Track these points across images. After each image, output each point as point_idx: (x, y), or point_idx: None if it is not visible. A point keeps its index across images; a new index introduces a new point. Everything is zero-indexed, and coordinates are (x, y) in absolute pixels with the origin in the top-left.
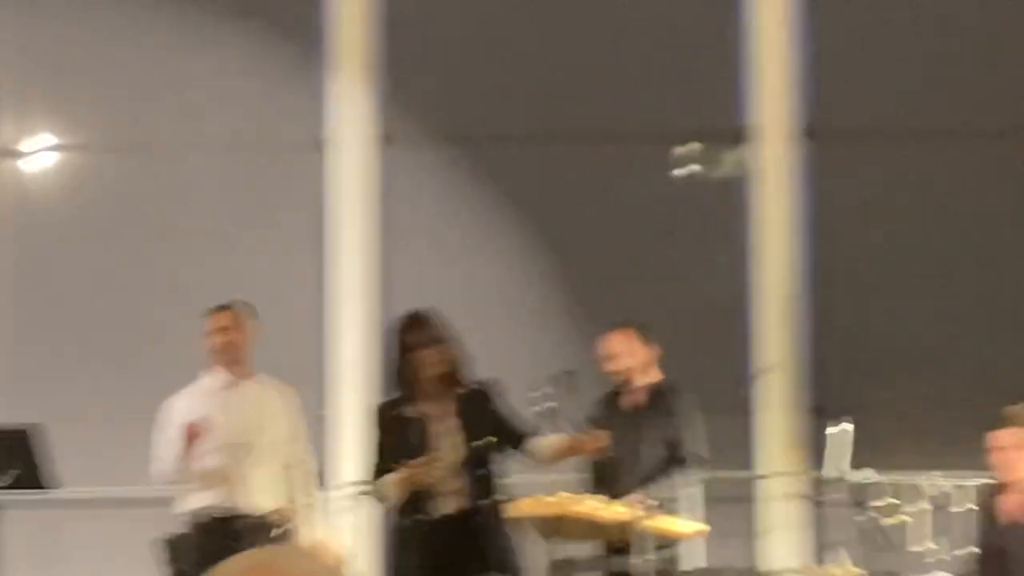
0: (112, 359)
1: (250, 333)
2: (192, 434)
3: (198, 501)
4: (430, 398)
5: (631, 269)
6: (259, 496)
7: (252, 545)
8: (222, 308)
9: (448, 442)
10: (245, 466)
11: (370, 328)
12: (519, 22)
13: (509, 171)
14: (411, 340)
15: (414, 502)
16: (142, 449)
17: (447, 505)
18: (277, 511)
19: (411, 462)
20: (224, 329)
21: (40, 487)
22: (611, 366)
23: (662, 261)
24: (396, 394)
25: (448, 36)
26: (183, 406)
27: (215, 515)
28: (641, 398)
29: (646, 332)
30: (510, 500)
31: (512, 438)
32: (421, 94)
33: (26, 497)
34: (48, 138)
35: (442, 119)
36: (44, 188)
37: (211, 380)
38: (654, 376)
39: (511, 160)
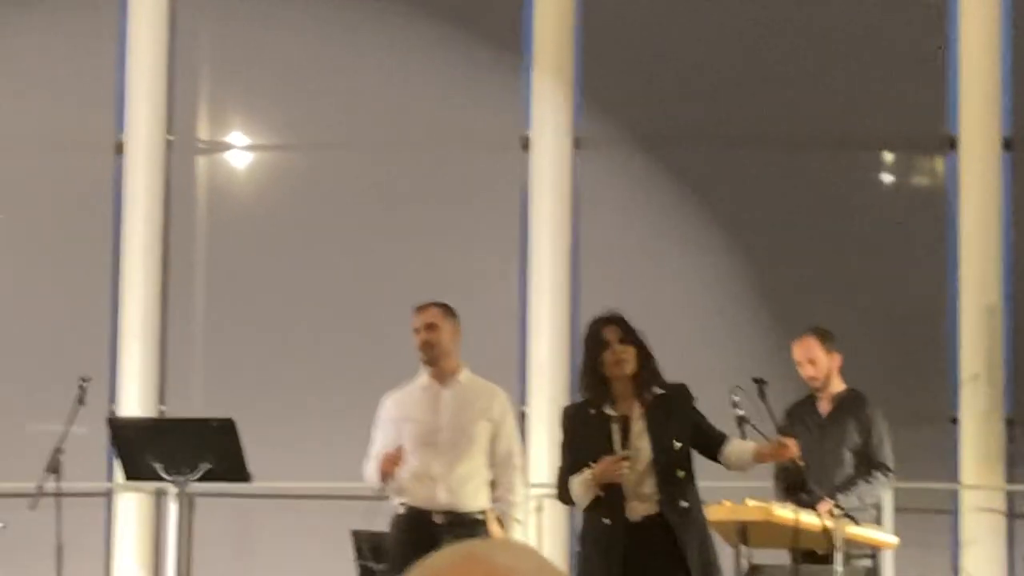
0: (302, 355)
1: (450, 332)
2: (387, 467)
3: (403, 497)
4: (620, 400)
5: (828, 275)
6: (462, 494)
7: (454, 541)
8: (422, 307)
9: (638, 445)
10: (449, 464)
11: (561, 328)
12: (716, 25)
13: (702, 174)
14: (603, 340)
15: (606, 505)
16: (332, 444)
17: (639, 509)
18: (481, 509)
19: (601, 460)
20: (424, 327)
21: (233, 479)
22: (805, 372)
23: (861, 268)
24: (587, 395)
25: (644, 40)
26: (391, 404)
27: (419, 511)
28: (827, 406)
29: (829, 340)
30: (702, 504)
31: (704, 442)
32: (616, 97)
33: (219, 489)
34: (241, 136)
35: (637, 122)
36: (240, 185)
37: (423, 378)
38: (837, 385)
39: (705, 163)
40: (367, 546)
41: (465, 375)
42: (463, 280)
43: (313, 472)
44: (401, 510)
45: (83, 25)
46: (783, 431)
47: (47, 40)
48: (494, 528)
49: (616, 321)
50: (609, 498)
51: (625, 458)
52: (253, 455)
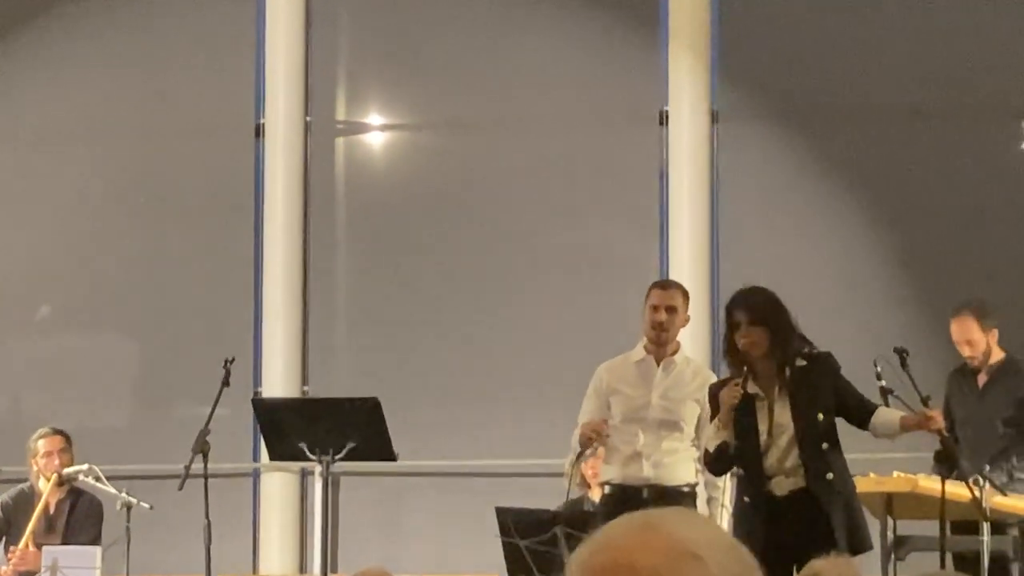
0: (443, 333)
1: (683, 316)
2: (589, 433)
3: (612, 473)
4: (762, 376)
5: (971, 243)
6: (667, 467)
7: None
8: (665, 285)
9: (780, 421)
10: (655, 440)
11: (701, 302)
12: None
13: (841, 145)
14: (734, 322)
15: (747, 483)
16: (475, 423)
17: (784, 484)
18: (687, 483)
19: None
20: (665, 308)
21: (377, 458)
22: (963, 352)
23: (1007, 237)
24: (730, 372)
25: (780, 11)
26: (605, 373)
27: (625, 487)
28: (983, 378)
29: (985, 317)
30: (849, 474)
31: (852, 411)
32: (753, 70)
33: (363, 468)
34: (378, 116)
35: (774, 94)
36: (378, 164)
37: (636, 352)
38: (996, 355)
39: (844, 134)
40: (512, 523)
41: (681, 355)
42: (603, 254)
43: (457, 451)
44: (607, 489)
45: (223, 10)
46: (931, 401)
47: (188, 27)
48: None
49: (744, 302)
50: (751, 475)
51: (740, 384)
52: (396, 434)
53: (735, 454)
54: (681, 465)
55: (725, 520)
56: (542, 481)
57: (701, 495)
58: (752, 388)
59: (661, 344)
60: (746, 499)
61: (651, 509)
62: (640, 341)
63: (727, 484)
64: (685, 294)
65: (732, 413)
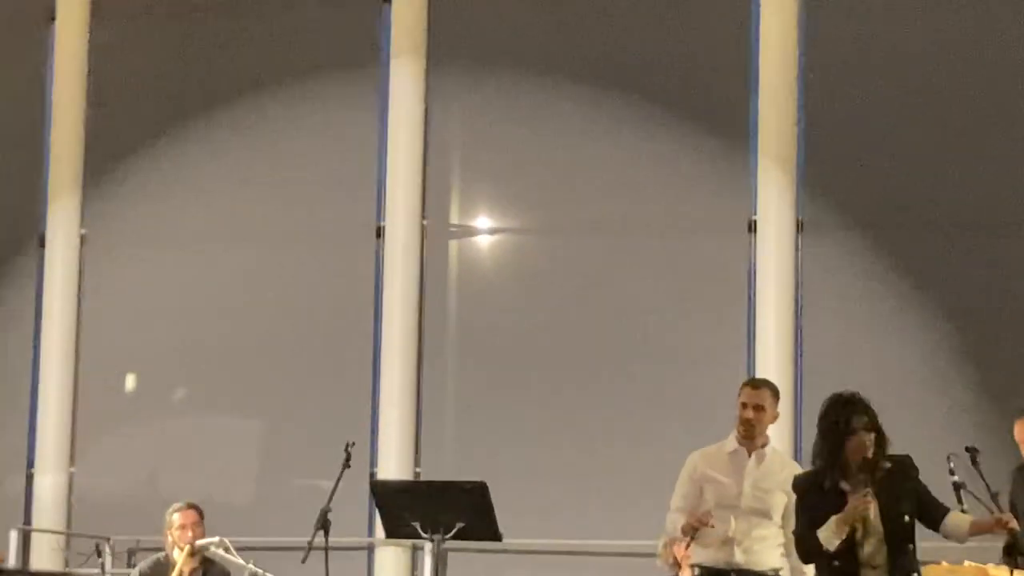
0: (546, 421)
1: (772, 414)
2: (694, 524)
3: (703, 556)
4: (852, 475)
5: None
6: (756, 553)
7: None
8: (756, 385)
9: (872, 517)
10: (747, 527)
11: (786, 405)
12: (936, 112)
13: (922, 256)
14: (851, 428)
15: (842, 572)
16: (577, 503)
17: None
18: (775, 568)
19: (851, 498)
20: (753, 407)
21: (484, 538)
22: (1023, 448)
23: None
24: (822, 469)
25: (866, 126)
26: (700, 461)
27: (715, 571)
28: None
29: None
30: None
31: (927, 513)
32: (838, 182)
33: (471, 545)
34: (488, 220)
35: (858, 205)
36: (488, 265)
37: (729, 443)
38: None
39: (925, 246)
40: None
41: (770, 448)
42: (694, 352)
43: (557, 530)
44: (697, 571)
45: (347, 123)
46: (1000, 498)
47: (314, 139)
48: None
49: (865, 410)
50: (844, 568)
51: (867, 496)
52: (501, 513)
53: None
54: (769, 551)
55: None
56: (635, 561)
57: None
58: (845, 485)
59: (748, 438)
60: None
61: None
62: (733, 433)
63: (810, 572)
64: (775, 393)
65: (854, 521)
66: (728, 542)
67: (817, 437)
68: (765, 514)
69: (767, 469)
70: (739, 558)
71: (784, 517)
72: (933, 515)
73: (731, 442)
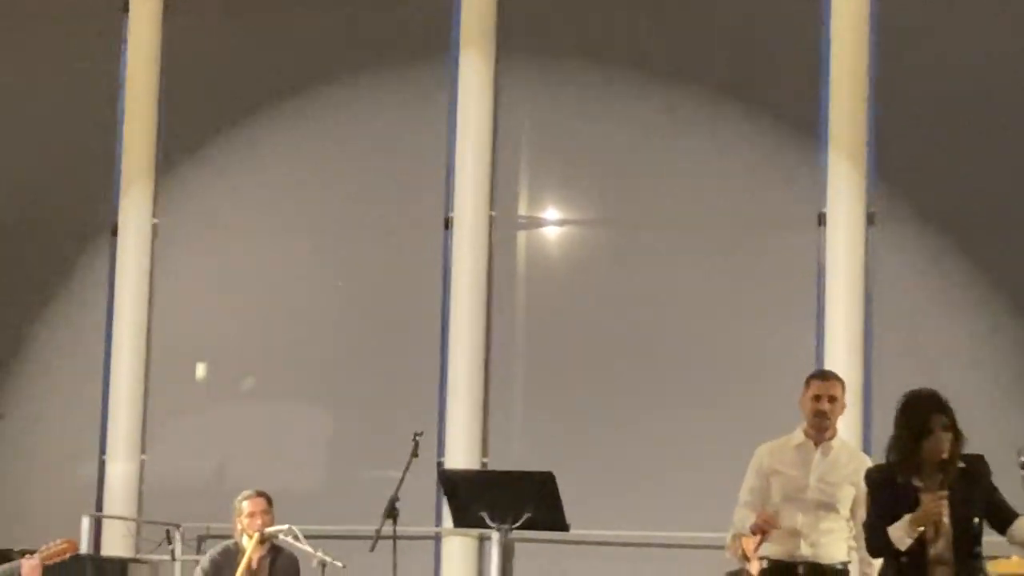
0: (613, 412)
1: (842, 405)
2: (763, 526)
3: (771, 549)
4: (926, 473)
5: None
6: (823, 546)
7: None
8: (826, 376)
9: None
10: (814, 520)
11: (855, 399)
12: (1008, 101)
13: (993, 249)
14: (929, 428)
15: (910, 571)
16: (643, 495)
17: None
18: (842, 562)
19: (925, 498)
20: (827, 397)
21: (551, 528)
22: None
23: None
24: (896, 465)
25: (935, 117)
26: (767, 455)
27: (782, 564)
28: None
29: None
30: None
31: (998, 519)
32: (908, 174)
33: (538, 535)
34: (556, 212)
35: (929, 198)
36: (555, 256)
37: (796, 436)
38: None
39: (996, 239)
40: None
41: (838, 440)
42: (763, 344)
43: (624, 522)
44: (765, 564)
45: (415, 113)
46: None
47: (384, 129)
48: None
49: (944, 410)
50: (912, 564)
51: (942, 496)
52: (568, 504)
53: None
54: (836, 544)
55: None
56: (703, 553)
57: (853, 573)
58: (918, 482)
59: (822, 430)
60: None
61: None
62: (799, 426)
63: (877, 564)
64: (843, 384)
65: (927, 522)
66: (795, 535)
67: (893, 433)
68: (831, 507)
69: (834, 461)
70: (805, 551)
71: (853, 509)
72: (1002, 519)
73: (798, 435)
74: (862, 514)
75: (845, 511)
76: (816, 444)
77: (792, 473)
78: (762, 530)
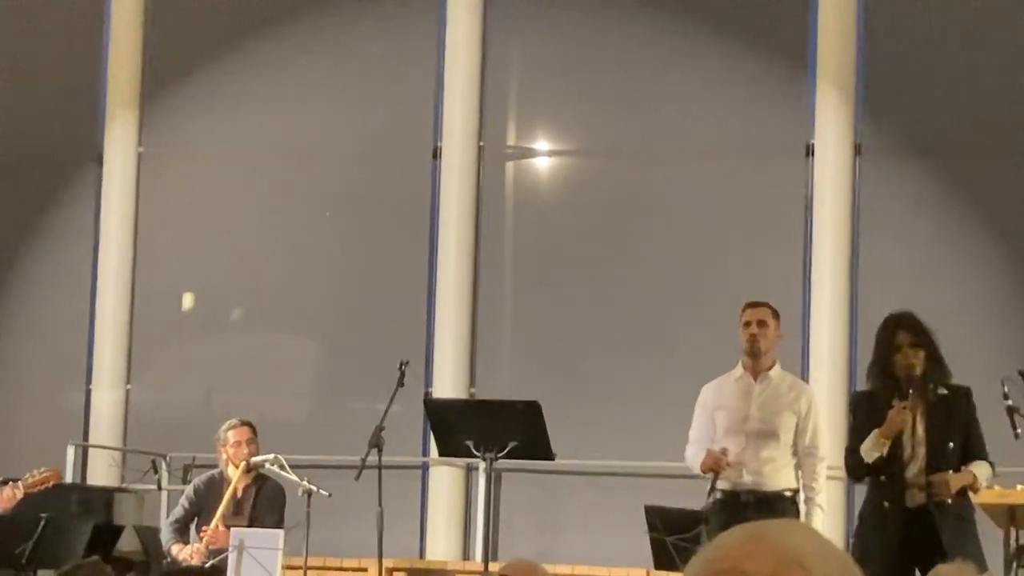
0: (600, 343)
1: (774, 331)
2: (711, 465)
3: (720, 481)
4: (906, 394)
5: None
6: (765, 474)
7: (760, 518)
8: (755, 304)
9: (917, 438)
10: (755, 449)
11: (841, 328)
12: (995, 35)
13: (979, 181)
14: (895, 343)
15: (888, 490)
16: (628, 425)
17: (917, 497)
18: (786, 488)
19: (891, 412)
20: (756, 323)
21: (537, 457)
22: None
23: None
24: (875, 388)
25: (924, 49)
26: (710, 392)
27: (729, 493)
28: None
29: None
30: (971, 500)
31: (963, 453)
32: (896, 106)
33: (524, 465)
34: (545, 142)
35: (916, 130)
36: (544, 187)
37: (736, 371)
38: None
39: (982, 171)
40: (659, 520)
41: (776, 371)
42: (748, 280)
43: (611, 451)
44: (718, 495)
45: (404, 43)
46: None
47: (372, 59)
48: (797, 511)
49: (909, 325)
50: (892, 484)
51: (911, 407)
52: (555, 433)
53: (877, 463)
54: (780, 472)
55: (818, 519)
56: (688, 482)
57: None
58: (891, 403)
59: (756, 356)
60: (886, 504)
61: (761, 521)
62: (740, 360)
63: (824, 485)
64: (775, 312)
65: (895, 433)
66: (737, 465)
67: (872, 358)
68: (772, 435)
69: (774, 391)
70: (748, 480)
71: (796, 437)
72: (964, 454)
73: (737, 370)
74: (808, 438)
75: (787, 438)
76: (755, 375)
77: (734, 405)
78: (712, 469)
